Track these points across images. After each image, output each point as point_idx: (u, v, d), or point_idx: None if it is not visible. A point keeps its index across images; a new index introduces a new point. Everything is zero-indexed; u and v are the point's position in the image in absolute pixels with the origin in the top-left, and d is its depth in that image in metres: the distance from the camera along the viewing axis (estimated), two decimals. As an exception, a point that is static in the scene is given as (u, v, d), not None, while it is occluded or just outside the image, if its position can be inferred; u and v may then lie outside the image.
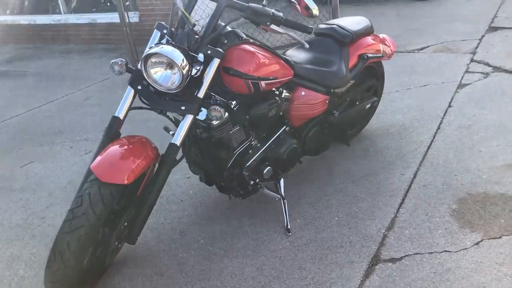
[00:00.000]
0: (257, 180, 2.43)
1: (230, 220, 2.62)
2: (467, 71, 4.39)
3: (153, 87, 2.06)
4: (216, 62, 2.08)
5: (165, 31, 2.12)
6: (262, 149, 2.47)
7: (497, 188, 2.62)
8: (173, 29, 2.14)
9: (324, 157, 3.08)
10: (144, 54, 1.97)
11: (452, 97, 3.86)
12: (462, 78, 4.23)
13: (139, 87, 2.11)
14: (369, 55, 2.91)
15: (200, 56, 2.06)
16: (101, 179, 1.82)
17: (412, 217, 2.47)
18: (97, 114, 4.45)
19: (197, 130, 2.30)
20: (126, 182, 1.85)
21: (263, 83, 2.25)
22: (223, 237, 2.49)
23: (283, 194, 2.55)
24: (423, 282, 2.05)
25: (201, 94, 2.07)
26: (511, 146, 3.02)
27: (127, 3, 7.10)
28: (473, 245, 2.22)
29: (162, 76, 1.99)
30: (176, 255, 2.39)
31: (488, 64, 4.50)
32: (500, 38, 5.26)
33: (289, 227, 2.47)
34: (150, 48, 2.02)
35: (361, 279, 2.11)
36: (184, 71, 1.93)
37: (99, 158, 1.91)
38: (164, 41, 2.10)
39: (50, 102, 4.98)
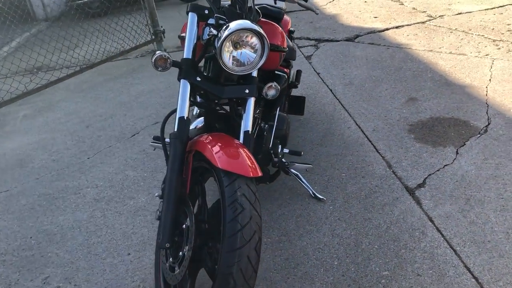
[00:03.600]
0: (279, 158, 2.39)
1: (256, 211, 2.48)
2: (299, 47, 5.01)
3: (213, 77, 1.83)
4: (257, 38, 1.97)
5: (206, 12, 1.88)
6: (274, 128, 2.43)
7: (424, 115, 3.23)
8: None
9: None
10: (222, 37, 1.71)
11: (313, 67, 4.40)
12: (302, 53, 4.82)
13: (198, 78, 1.82)
14: (292, 29, 3.12)
15: (250, 32, 1.93)
16: (247, 174, 1.55)
17: (394, 153, 2.84)
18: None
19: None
20: (260, 173, 1.63)
21: (284, 53, 2.25)
22: (270, 227, 2.36)
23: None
24: (458, 190, 2.45)
25: (255, 73, 1.95)
26: (394, 87, 3.71)
27: None
28: (456, 155, 2.74)
29: (244, 56, 1.79)
30: (244, 260, 2.16)
31: (308, 39, 5.25)
32: (293, 20, 6.10)
33: (317, 194, 2.52)
34: (218, 30, 1.77)
35: (418, 206, 2.37)
36: (266, 38, 1.79)
37: (221, 156, 1.58)
38: (212, 21, 1.87)
39: None
